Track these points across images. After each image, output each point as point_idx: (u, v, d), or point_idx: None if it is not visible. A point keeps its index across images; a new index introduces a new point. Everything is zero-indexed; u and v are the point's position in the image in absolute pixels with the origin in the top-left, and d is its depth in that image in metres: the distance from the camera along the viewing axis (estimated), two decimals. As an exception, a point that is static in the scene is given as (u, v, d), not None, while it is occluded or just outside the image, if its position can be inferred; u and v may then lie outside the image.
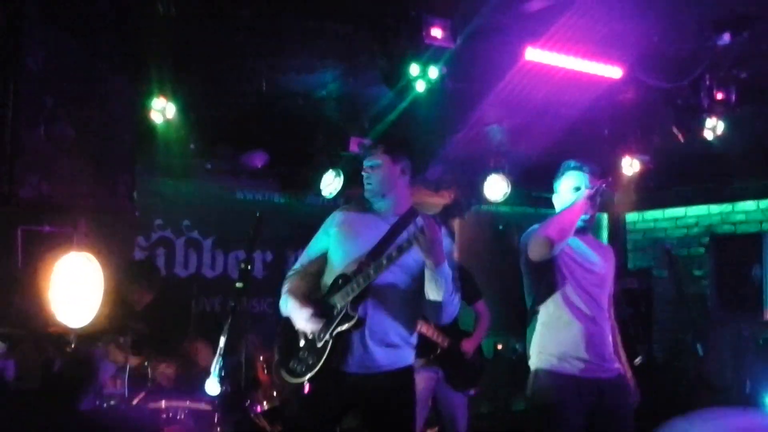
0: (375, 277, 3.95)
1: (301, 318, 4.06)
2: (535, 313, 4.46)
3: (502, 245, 9.42)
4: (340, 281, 4.05)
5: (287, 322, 4.19)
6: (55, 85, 3.24)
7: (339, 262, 4.16)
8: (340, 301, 4.01)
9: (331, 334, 3.97)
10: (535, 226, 4.39)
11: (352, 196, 8.46)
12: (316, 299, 4.13)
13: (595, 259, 4.51)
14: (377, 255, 4.01)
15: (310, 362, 4.02)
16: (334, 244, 4.25)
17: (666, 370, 9.86)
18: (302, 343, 4.10)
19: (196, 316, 7.45)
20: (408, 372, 4.20)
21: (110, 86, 3.34)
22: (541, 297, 4.43)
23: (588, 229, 4.57)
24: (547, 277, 4.39)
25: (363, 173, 4.29)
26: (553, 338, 4.39)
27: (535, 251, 4.24)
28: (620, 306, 9.14)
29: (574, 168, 4.50)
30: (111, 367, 5.50)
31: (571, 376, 4.31)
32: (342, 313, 3.98)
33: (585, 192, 4.32)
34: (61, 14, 3.24)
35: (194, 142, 6.96)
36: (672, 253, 10.11)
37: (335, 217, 4.32)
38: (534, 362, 4.47)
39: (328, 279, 4.18)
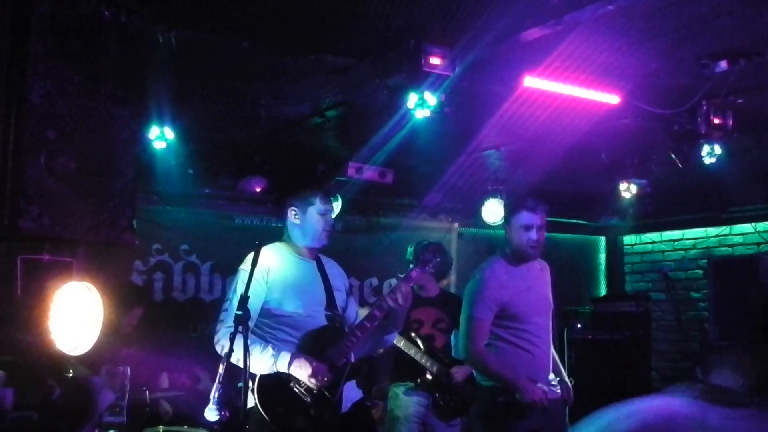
0: (363, 337, 4.18)
1: (311, 373, 4.01)
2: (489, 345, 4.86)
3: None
4: (328, 334, 4.12)
5: (267, 379, 4.09)
6: (58, 117, 3.24)
7: (294, 310, 4.18)
8: (338, 357, 4.07)
9: (342, 387, 4.04)
10: (482, 274, 4.87)
11: (350, 221, 8.50)
12: (307, 353, 4.11)
13: (536, 286, 4.95)
14: (333, 304, 4.29)
15: (326, 416, 4.03)
16: (278, 291, 4.22)
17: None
18: (308, 399, 4.03)
19: (194, 341, 7.45)
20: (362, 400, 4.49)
21: (113, 119, 3.34)
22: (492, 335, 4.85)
23: (535, 254, 4.95)
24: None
25: (327, 216, 4.33)
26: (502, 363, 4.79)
27: (458, 345, 4.98)
28: (617, 329, 9.23)
29: (530, 208, 4.84)
30: (110, 395, 5.48)
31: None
32: (349, 368, 4.12)
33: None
34: (65, 47, 3.26)
35: (193, 169, 6.98)
36: (670, 277, 10.13)
37: (263, 263, 4.17)
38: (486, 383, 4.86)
39: (288, 330, 4.19)
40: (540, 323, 4.91)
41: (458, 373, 6.17)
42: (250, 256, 4.16)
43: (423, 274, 4.56)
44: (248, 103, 6.08)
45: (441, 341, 6.36)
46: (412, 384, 6.21)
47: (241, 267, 4.25)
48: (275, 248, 4.38)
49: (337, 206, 7.72)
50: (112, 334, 5.12)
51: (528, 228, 4.81)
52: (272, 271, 4.21)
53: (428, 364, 6.14)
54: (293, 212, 4.37)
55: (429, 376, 6.16)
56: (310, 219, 4.31)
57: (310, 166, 7.54)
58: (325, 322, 4.24)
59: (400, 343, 6.08)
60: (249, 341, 3.99)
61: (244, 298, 3.89)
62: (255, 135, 6.89)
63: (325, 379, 4.01)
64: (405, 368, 6.23)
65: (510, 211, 4.99)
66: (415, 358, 6.12)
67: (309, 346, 4.13)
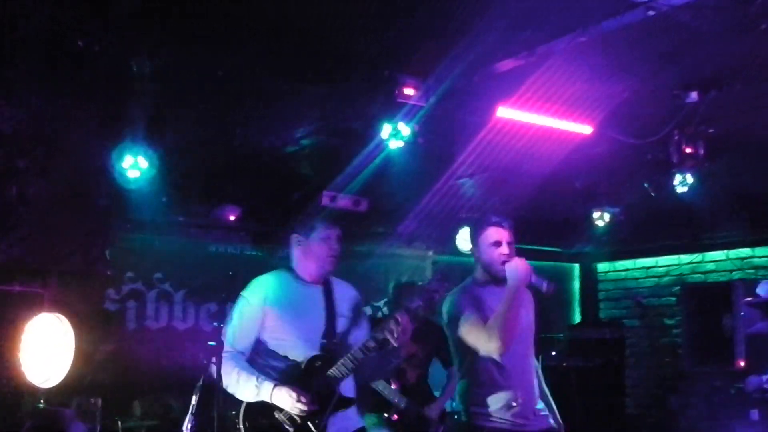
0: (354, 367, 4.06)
1: (294, 403, 3.96)
2: (468, 372, 4.47)
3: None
4: (318, 364, 4.07)
5: (253, 406, 4.04)
6: (29, 147, 3.22)
7: (290, 341, 4.15)
8: (324, 387, 4.04)
9: (326, 418, 4.00)
10: (456, 294, 4.50)
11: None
12: (293, 383, 4.05)
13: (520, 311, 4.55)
14: (331, 332, 4.17)
15: None
16: (273, 318, 4.17)
17: (639, 424, 9.89)
18: (291, 429, 4.00)
19: (167, 370, 7.36)
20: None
21: (86, 148, 3.33)
22: (471, 359, 4.42)
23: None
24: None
25: (331, 241, 4.28)
26: (484, 395, 4.39)
27: (484, 349, 4.29)
28: (591, 356, 9.25)
29: (496, 223, 4.56)
30: (82, 427, 5.41)
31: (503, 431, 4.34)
32: (336, 399, 4.05)
33: (517, 283, 4.32)
34: (41, 73, 3.24)
35: (167, 197, 6.93)
36: (644, 304, 10.20)
37: (262, 291, 4.20)
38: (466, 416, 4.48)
39: (282, 357, 4.15)
40: (516, 351, 4.47)
41: (432, 410, 6.10)
42: (253, 282, 4.23)
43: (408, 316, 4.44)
44: (223, 129, 6.05)
45: (413, 376, 6.28)
46: (375, 418, 6.12)
47: (242, 293, 4.25)
48: (277, 274, 4.36)
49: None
50: (83, 364, 5.06)
51: (498, 243, 4.50)
52: (269, 297, 4.19)
53: (396, 400, 6.05)
54: (296, 239, 4.35)
55: (396, 413, 6.07)
56: (313, 245, 4.28)
57: (284, 194, 7.52)
58: (317, 351, 4.18)
59: None
60: (239, 368, 4.02)
61: (217, 329, 3.89)
62: (229, 163, 6.86)
63: (307, 408, 3.98)
64: (375, 400, 6.15)
65: (476, 232, 4.66)
66: (384, 392, 6.03)
67: (297, 375, 4.09)
